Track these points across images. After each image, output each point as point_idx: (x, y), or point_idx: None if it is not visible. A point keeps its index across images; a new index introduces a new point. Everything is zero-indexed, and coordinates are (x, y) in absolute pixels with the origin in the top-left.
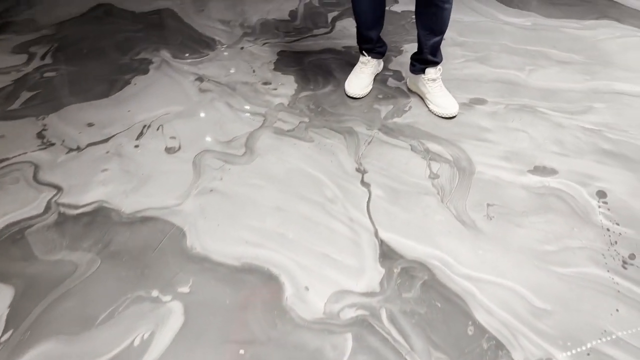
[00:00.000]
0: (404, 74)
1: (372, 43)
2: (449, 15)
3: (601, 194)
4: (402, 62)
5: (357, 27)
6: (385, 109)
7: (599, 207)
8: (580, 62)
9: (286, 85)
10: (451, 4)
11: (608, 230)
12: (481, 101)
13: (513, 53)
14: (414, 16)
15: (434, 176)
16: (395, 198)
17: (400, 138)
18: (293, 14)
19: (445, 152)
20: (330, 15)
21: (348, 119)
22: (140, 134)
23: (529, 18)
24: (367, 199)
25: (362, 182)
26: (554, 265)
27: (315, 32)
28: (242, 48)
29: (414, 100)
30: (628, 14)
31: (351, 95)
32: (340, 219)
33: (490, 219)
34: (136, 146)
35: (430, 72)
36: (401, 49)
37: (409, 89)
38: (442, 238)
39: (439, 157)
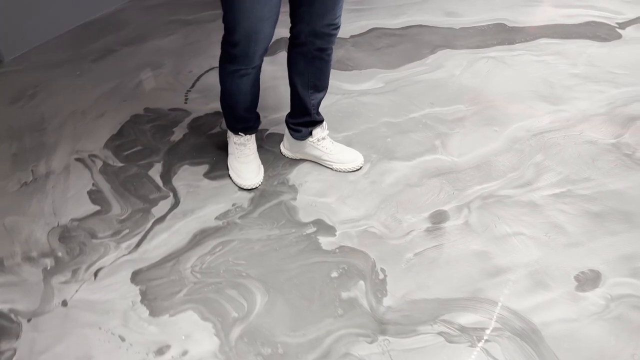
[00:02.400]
0: (327, 220)
1: (251, 120)
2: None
3: None
4: (308, 202)
5: (231, 112)
6: (360, 293)
7: None
8: (472, 112)
9: (195, 337)
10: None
11: None
12: (441, 216)
13: (406, 130)
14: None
15: None
16: None
17: (419, 331)
18: None
19: (483, 320)
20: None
21: (331, 337)
22: None
23: (376, 77)
24: None
25: None
26: None
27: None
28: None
29: (370, 244)
30: (451, 36)
31: (246, 187)
32: None
33: None
34: None
35: (318, 131)
36: (290, 183)
37: (284, 157)
38: None
39: (483, 331)
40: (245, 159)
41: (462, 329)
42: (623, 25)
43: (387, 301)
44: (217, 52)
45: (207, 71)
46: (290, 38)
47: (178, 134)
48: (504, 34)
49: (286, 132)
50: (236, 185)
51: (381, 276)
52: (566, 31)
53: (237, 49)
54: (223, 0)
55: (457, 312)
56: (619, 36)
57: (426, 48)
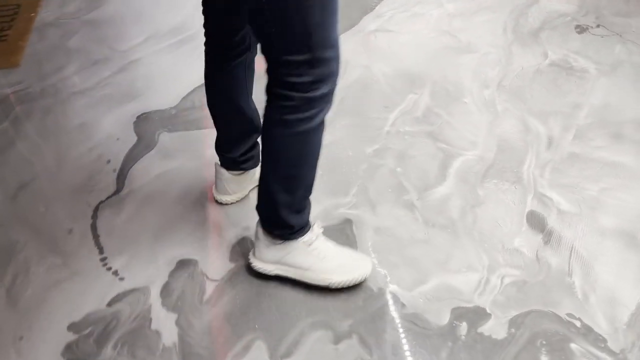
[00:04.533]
0: (463, 304)
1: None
2: None
3: None
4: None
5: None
6: (587, 359)
7: None
8: (427, 95)
9: None
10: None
11: None
12: (537, 219)
13: (400, 150)
14: None
15: None
16: None
17: None
18: None
19: None
20: None
21: None
22: None
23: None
24: None
25: None
26: None
27: None
28: None
29: (526, 297)
30: None
31: (369, 273)
32: None
33: None
34: None
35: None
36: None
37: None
38: None
39: None
40: (333, 249)
41: None
42: None
43: (613, 344)
44: (64, 174)
45: (96, 211)
46: (226, 50)
47: (168, 329)
48: (356, 3)
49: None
50: (361, 280)
51: (577, 323)
52: None
53: (335, 77)
54: (324, 10)
55: None
56: None
57: None
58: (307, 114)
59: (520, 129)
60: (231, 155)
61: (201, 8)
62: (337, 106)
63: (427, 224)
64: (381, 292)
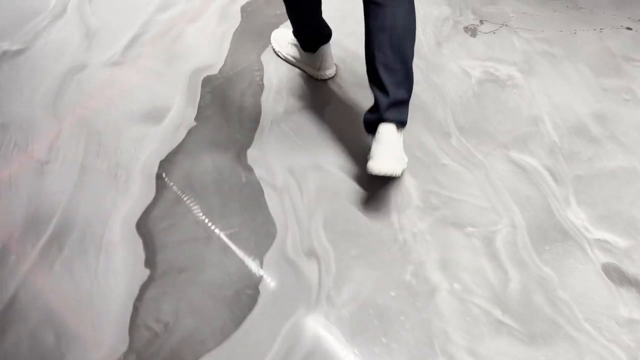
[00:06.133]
0: None
1: None
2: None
3: None
4: None
5: None
6: None
7: None
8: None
9: None
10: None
11: None
12: (618, 274)
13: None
14: None
15: None
16: None
17: None
18: None
19: None
20: None
21: None
22: None
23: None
24: None
25: None
26: None
27: None
28: None
29: None
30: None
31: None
32: None
33: None
34: None
35: None
36: None
37: None
38: None
39: None
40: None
41: None
42: None
43: None
44: None
45: None
46: None
47: None
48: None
49: None
50: None
51: None
52: None
53: None
54: None
55: None
56: None
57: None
58: None
59: (516, 171)
60: (321, 23)
61: None
62: (330, 236)
63: (536, 340)
64: None
